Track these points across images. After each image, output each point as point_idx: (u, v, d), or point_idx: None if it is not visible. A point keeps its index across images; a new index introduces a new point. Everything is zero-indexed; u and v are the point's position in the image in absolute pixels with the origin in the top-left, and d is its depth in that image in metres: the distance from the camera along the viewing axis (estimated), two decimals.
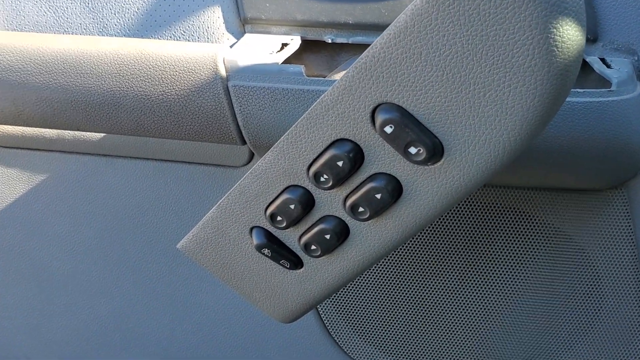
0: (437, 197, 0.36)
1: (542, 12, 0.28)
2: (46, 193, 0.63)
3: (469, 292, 0.58)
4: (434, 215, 0.37)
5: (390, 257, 0.58)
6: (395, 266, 0.58)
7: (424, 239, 0.57)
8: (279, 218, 0.40)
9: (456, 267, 0.57)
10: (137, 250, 0.63)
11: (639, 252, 0.53)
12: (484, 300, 0.58)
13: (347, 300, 0.61)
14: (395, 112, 0.33)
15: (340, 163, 0.36)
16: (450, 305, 0.59)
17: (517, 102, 0.31)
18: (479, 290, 0.58)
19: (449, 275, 0.58)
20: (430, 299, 0.59)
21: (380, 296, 0.60)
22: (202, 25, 0.52)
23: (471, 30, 0.30)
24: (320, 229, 0.39)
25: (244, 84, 0.47)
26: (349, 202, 0.37)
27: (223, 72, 0.48)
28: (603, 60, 0.49)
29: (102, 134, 0.58)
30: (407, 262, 0.58)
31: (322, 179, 0.37)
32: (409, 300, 0.59)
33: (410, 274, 0.58)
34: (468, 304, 0.59)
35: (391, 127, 0.33)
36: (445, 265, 0.58)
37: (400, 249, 0.58)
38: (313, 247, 0.40)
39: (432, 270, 0.58)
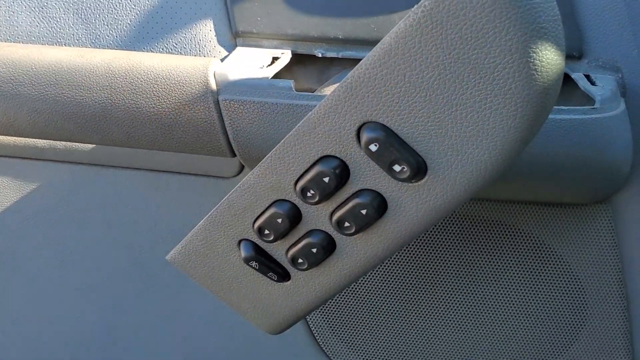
0: (421, 213, 0.36)
1: (522, 37, 0.29)
2: (37, 202, 0.63)
3: (456, 303, 0.59)
4: (418, 231, 0.37)
5: (378, 269, 0.59)
6: (383, 278, 0.59)
7: (411, 252, 0.57)
8: (266, 231, 0.40)
9: (442, 278, 0.58)
10: (127, 259, 0.63)
11: (623, 266, 0.54)
12: (469, 312, 0.59)
13: (335, 311, 0.61)
14: (380, 130, 0.34)
15: (326, 179, 0.37)
16: (437, 317, 0.60)
17: (497, 123, 0.31)
18: (465, 302, 0.58)
19: (436, 287, 0.58)
20: (417, 311, 0.60)
21: (368, 307, 0.60)
22: (194, 38, 0.53)
23: (453, 54, 0.30)
24: (307, 242, 0.40)
25: (234, 97, 0.48)
26: (335, 217, 0.38)
27: (214, 86, 0.48)
28: (588, 77, 0.50)
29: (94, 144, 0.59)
30: (394, 274, 0.58)
31: (308, 194, 0.38)
32: (397, 311, 0.60)
33: (397, 285, 0.59)
34: (454, 315, 0.59)
35: (376, 145, 0.34)
36: (432, 277, 0.58)
37: (388, 261, 0.58)
38: (300, 260, 0.41)
39: (419, 282, 0.58)
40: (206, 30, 0.53)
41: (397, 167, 0.34)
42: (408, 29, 0.31)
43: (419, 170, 0.34)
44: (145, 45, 0.53)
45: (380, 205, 0.37)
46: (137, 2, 0.54)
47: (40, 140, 0.59)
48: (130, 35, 0.54)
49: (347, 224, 0.38)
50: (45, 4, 0.55)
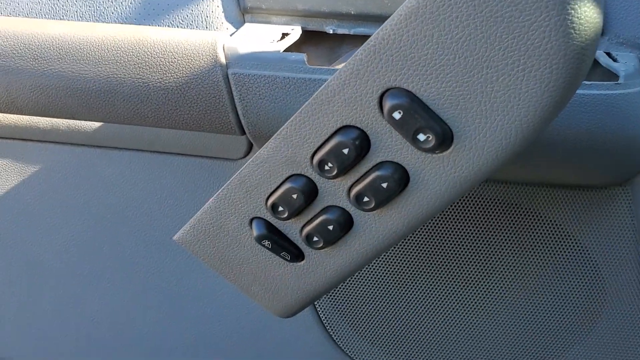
0: (445, 186, 0.35)
1: None
2: (39, 184, 0.62)
3: (469, 289, 0.57)
4: (440, 206, 0.36)
5: (389, 253, 0.57)
6: (394, 263, 0.58)
7: (424, 235, 0.56)
8: (280, 208, 0.39)
9: (456, 263, 0.57)
10: (132, 243, 0.62)
11: None
12: (483, 297, 0.58)
13: (345, 298, 0.60)
14: (405, 97, 0.32)
15: (345, 151, 0.35)
16: (450, 302, 0.58)
17: (530, 87, 0.30)
18: (479, 287, 0.57)
19: (449, 271, 0.57)
20: (429, 296, 0.58)
21: (379, 293, 0.59)
22: (201, 14, 0.51)
23: (486, 11, 0.29)
24: (323, 219, 0.38)
25: (244, 71, 0.46)
26: (354, 191, 0.36)
27: (223, 60, 0.47)
28: (609, 54, 0.48)
29: (97, 125, 0.57)
30: (405, 258, 0.57)
31: (326, 168, 0.36)
32: (408, 297, 0.59)
33: (408, 270, 0.58)
34: (468, 301, 0.58)
35: (400, 112, 0.33)
36: (445, 262, 0.57)
37: (399, 244, 0.57)
38: (315, 238, 0.39)
39: (432, 266, 0.57)
40: (214, 6, 0.51)
41: (421, 136, 0.33)
42: None
43: (445, 139, 0.33)
44: (151, 21, 0.52)
45: (402, 178, 0.35)
46: None
47: (43, 121, 0.58)
48: (136, 11, 0.52)
49: (366, 199, 0.36)
50: None
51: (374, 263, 0.58)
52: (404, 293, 0.58)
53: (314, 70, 0.45)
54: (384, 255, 0.57)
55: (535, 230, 0.54)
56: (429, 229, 0.56)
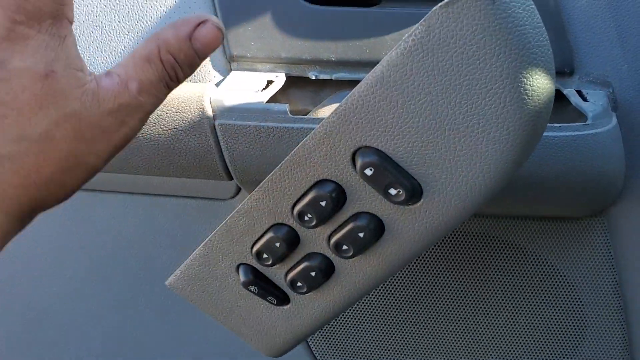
0: (418, 235, 0.37)
1: (513, 63, 0.30)
2: (34, 228, 0.63)
3: (456, 320, 0.59)
4: (416, 253, 0.38)
5: (379, 288, 0.59)
6: (383, 297, 0.59)
7: (411, 270, 0.58)
8: (264, 256, 0.41)
9: (441, 296, 0.58)
10: (128, 285, 0.63)
11: (620, 278, 0.54)
12: (468, 327, 0.59)
13: (336, 331, 0.61)
14: (375, 155, 0.34)
15: (323, 203, 0.37)
16: (438, 334, 0.60)
17: (490, 147, 0.32)
18: (464, 318, 0.59)
19: (436, 304, 0.59)
20: (417, 329, 0.60)
21: (369, 327, 0.61)
22: None
23: (444, 80, 0.31)
24: (305, 266, 0.40)
25: (230, 122, 0.48)
26: (333, 240, 0.38)
27: (210, 112, 0.49)
28: (580, 92, 0.50)
29: None
30: (394, 293, 0.59)
31: (306, 218, 0.38)
32: (397, 330, 0.60)
33: (398, 305, 0.59)
34: (455, 333, 0.59)
35: (371, 169, 0.35)
36: (431, 294, 0.58)
37: (388, 281, 0.58)
38: (299, 284, 0.41)
39: (419, 300, 0.59)
40: None
41: (392, 191, 0.35)
42: (400, 57, 0.31)
43: (415, 193, 0.35)
44: None
45: (377, 228, 0.37)
46: (131, 28, 0.54)
47: None
48: None
49: (345, 247, 0.38)
50: None
51: (366, 298, 0.59)
52: (393, 326, 0.60)
53: (295, 119, 0.48)
54: (375, 291, 0.59)
55: (514, 260, 0.56)
56: (414, 264, 0.57)
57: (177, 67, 0.34)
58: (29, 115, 0.31)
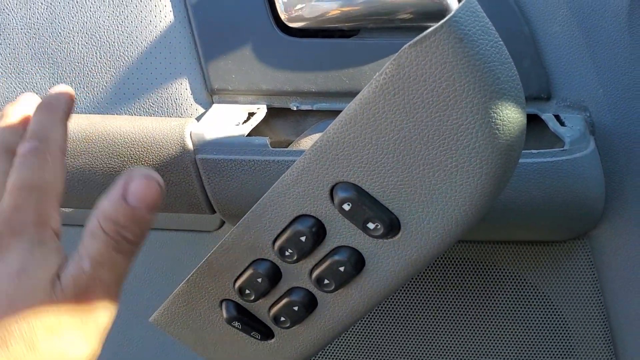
0: (399, 267, 0.37)
1: (483, 99, 0.30)
2: None
3: (441, 346, 0.59)
4: (397, 285, 0.38)
5: (364, 318, 0.59)
6: (366, 327, 0.59)
7: (394, 298, 0.58)
8: (247, 291, 0.41)
9: (427, 320, 0.58)
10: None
11: (605, 300, 0.55)
12: (455, 354, 0.59)
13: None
14: (352, 190, 0.35)
15: (303, 238, 0.37)
16: (424, 358, 0.60)
17: (464, 180, 0.32)
18: (450, 345, 0.59)
19: (421, 330, 0.59)
20: (402, 355, 0.60)
21: (353, 354, 0.60)
22: (171, 97, 0.54)
23: (416, 117, 0.31)
24: (288, 301, 0.40)
25: (211, 157, 0.49)
26: (314, 274, 0.38)
27: (190, 146, 0.49)
28: (557, 117, 0.51)
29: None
30: (376, 323, 0.59)
31: (286, 253, 0.38)
32: (382, 356, 0.60)
33: (380, 334, 0.59)
34: (441, 357, 0.59)
35: (349, 204, 0.35)
36: (416, 320, 0.58)
37: (373, 310, 0.58)
38: (282, 318, 0.41)
39: (403, 327, 0.59)
40: (182, 88, 0.54)
41: (371, 225, 0.35)
42: (371, 95, 0.32)
43: (393, 227, 0.35)
44: (122, 106, 0.54)
45: (357, 262, 0.37)
46: (112, 64, 0.54)
47: None
48: (107, 97, 0.54)
49: (326, 281, 0.38)
50: (22, 69, 0.56)
51: (352, 328, 0.59)
52: (376, 355, 0.60)
53: (276, 152, 0.48)
54: (360, 320, 0.59)
55: (498, 285, 0.56)
56: (397, 293, 0.57)
57: (122, 230, 0.34)
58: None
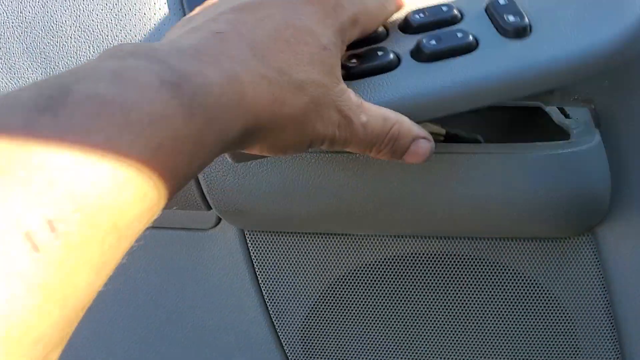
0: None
1: None
2: None
3: (445, 343, 0.58)
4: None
5: (364, 317, 0.58)
6: (366, 323, 0.58)
7: (398, 293, 0.57)
8: None
9: (432, 317, 0.57)
10: (108, 319, 0.62)
11: (610, 297, 0.54)
12: (460, 351, 0.58)
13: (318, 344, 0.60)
14: None
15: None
16: (428, 357, 0.59)
17: None
18: (455, 341, 0.58)
19: (425, 327, 0.58)
20: (404, 354, 0.59)
21: (356, 353, 0.59)
22: None
23: None
24: None
25: None
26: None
27: None
28: (561, 109, 0.50)
29: None
30: (377, 319, 0.58)
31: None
32: (384, 352, 0.59)
33: (380, 330, 0.58)
34: (445, 355, 0.58)
35: None
36: (420, 317, 0.57)
37: (374, 307, 0.57)
38: None
39: (403, 324, 0.58)
40: None
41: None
42: None
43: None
44: None
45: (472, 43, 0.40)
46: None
47: None
48: None
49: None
50: (13, 64, 0.55)
51: (351, 316, 0.58)
52: (378, 348, 0.59)
53: None
54: (361, 321, 0.58)
55: (503, 282, 0.55)
56: (401, 288, 0.56)
57: None
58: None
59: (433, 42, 0.40)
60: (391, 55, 0.41)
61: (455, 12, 0.41)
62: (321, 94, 0.34)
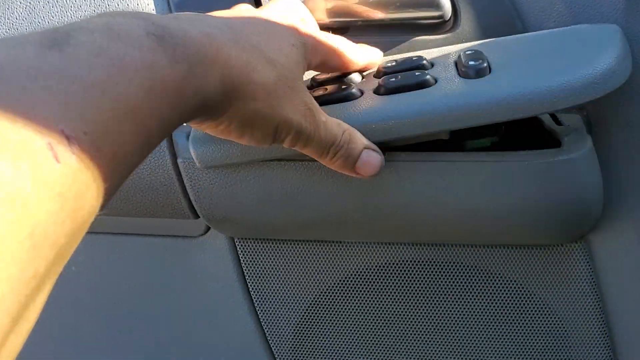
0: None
1: None
2: None
3: (435, 352, 0.57)
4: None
5: (355, 324, 0.57)
6: (358, 333, 0.58)
7: (387, 302, 0.56)
8: None
9: (419, 327, 0.57)
10: (98, 328, 0.62)
11: (604, 304, 0.53)
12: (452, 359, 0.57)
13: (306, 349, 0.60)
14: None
15: None
16: None
17: None
18: (447, 350, 0.57)
19: (416, 334, 0.57)
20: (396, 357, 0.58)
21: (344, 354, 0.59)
22: None
23: None
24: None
25: (192, 159, 0.47)
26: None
27: (172, 148, 0.47)
28: (553, 116, 0.49)
29: None
30: (370, 327, 0.57)
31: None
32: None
33: (373, 339, 0.58)
34: None
35: None
36: (408, 327, 0.57)
37: (367, 311, 0.57)
38: None
39: (396, 333, 0.57)
40: None
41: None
42: None
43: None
44: None
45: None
46: None
47: None
48: None
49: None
50: None
51: (343, 323, 0.58)
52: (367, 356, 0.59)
53: (260, 152, 0.46)
54: (354, 324, 0.57)
55: (495, 290, 0.54)
56: (393, 295, 0.56)
57: None
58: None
59: (393, 79, 0.43)
60: (354, 90, 0.45)
61: (425, 62, 0.45)
62: (290, 76, 0.37)
